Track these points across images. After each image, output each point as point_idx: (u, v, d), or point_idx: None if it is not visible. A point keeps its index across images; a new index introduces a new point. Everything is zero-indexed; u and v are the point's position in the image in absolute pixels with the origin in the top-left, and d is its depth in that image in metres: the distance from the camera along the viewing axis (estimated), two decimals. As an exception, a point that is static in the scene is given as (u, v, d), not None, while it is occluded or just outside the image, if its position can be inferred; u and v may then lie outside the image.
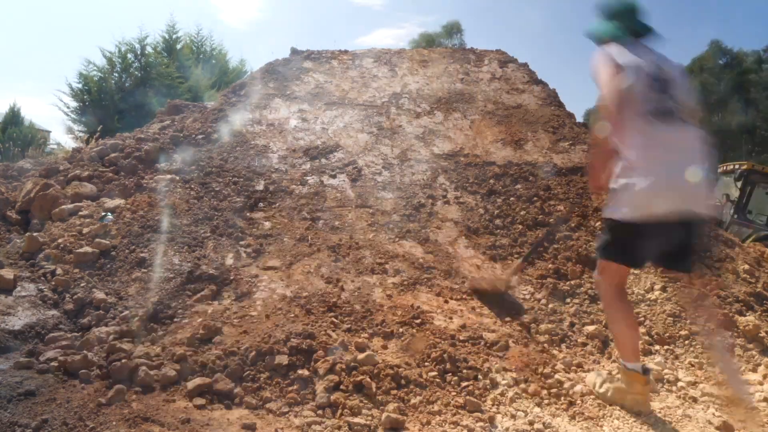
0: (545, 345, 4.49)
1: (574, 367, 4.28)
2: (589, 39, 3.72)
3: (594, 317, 4.92)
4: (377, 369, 3.82)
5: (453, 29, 33.13)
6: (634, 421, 3.68)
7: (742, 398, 3.75)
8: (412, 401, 3.64)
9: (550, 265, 5.50)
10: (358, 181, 6.47)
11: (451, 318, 4.60)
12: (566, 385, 4.01)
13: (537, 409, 3.73)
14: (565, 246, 5.75)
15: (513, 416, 3.63)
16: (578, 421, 3.65)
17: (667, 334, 4.78)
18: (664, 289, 5.28)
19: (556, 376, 4.10)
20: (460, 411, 3.61)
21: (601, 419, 3.69)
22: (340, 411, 3.47)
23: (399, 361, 3.97)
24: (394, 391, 3.69)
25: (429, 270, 5.24)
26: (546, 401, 3.83)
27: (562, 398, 3.87)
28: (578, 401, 3.86)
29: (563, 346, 4.56)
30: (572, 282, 5.32)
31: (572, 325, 4.83)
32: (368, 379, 3.69)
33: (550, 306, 4.99)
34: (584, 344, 4.63)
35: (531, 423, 3.57)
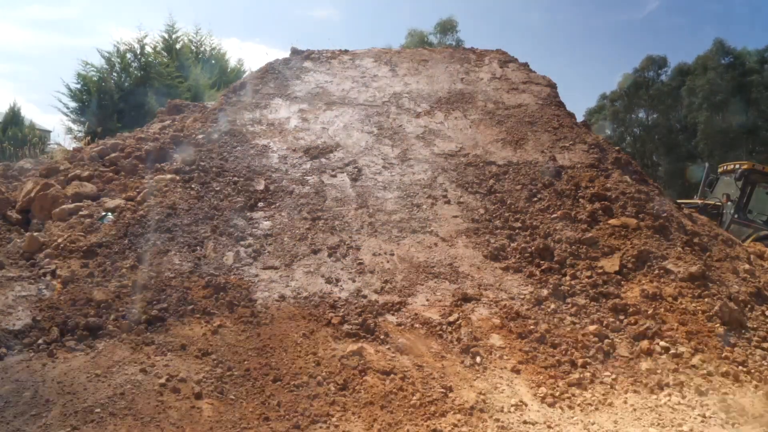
0: (545, 345, 4.49)
1: (574, 367, 4.28)
2: None
3: (594, 317, 4.91)
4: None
5: (447, 27, 32.48)
6: (634, 422, 3.69)
7: None
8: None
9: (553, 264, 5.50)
10: (358, 180, 6.46)
11: (450, 318, 4.61)
12: (565, 385, 4.01)
13: (537, 409, 3.73)
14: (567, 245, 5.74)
15: (517, 417, 3.63)
16: (578, 421, 3.65)
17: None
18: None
19: (557, 375, 4.10)
20: (461, 412, 3.62)
21: (604, 421, 3.70)
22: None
23: (397, 364, 3.97)
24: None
25: (429, 269, 5.24)
26: (546, 402, 3.83)
27: (563, 399, 3.88)
28: (579, 402, 3.86)
29: (562, 345, 4.56)
30: (572, 282, 5.32)
31: (566, 323, 4.82)
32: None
33: (551, 306, 4.99)
34: (584, 344, 4.62)
35: (530, 423, 3.57)
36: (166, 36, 17.44)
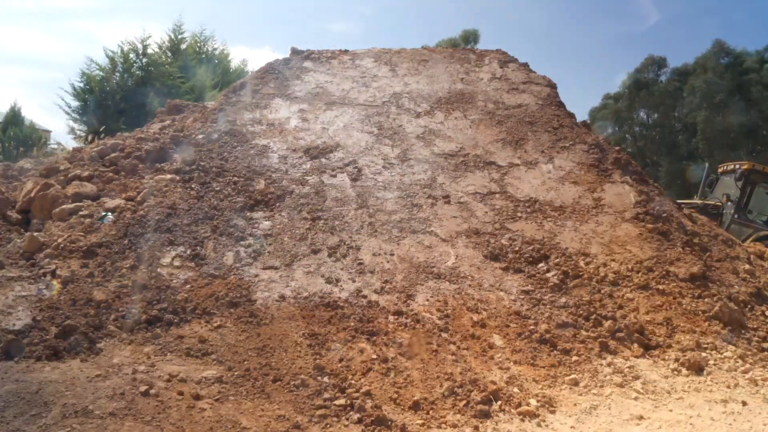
0: (545, 345, 4.49)
1: (574, 367, 4.28)
2: None
3: (595, 317, 4.91)
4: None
5: (470, 37, 32.90)
6: (637, 426, 3.68)
7: None
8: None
9: (551, 264, 5.50)
10: (358, 180, 6.46)
11: (450, 318, 4.61)
12: (565, 385, 4.01)
13: (537, 409, 3.73)
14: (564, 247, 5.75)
15: (520, 420, 3.64)
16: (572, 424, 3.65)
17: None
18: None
19: (557, 375, 4.10)
20: (461, 412, 3.62)
21: (603, 421, 3.69)
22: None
23: (397, 364, 3.97)
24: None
25: (429, 270, 5.24)
26: (546, 402, 3.83)
27: (563, 399, 3.88)
28: (578, 402, 3.86)
29: (562, 345, 4.56)
30: (571, 283, 5.32)
31: (566, 323, 4.82)
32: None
33: (551, 306, 4.99)
34: (585, 344, 4.62)
35: (529, 423, 3.57)
36: (172, 35, 17.45)
